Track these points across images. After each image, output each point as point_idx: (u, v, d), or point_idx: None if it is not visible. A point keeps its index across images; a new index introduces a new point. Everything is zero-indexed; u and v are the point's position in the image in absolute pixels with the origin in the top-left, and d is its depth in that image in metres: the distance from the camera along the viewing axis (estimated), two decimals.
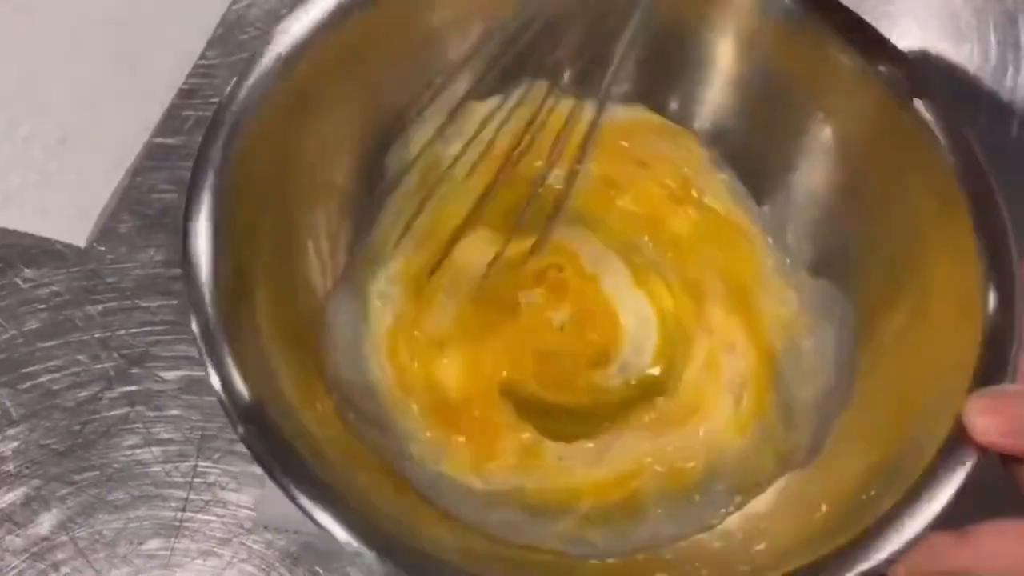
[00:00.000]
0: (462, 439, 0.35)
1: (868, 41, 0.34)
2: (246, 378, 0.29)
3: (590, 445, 0.35)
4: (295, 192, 0.35)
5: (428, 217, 0.38)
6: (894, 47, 0.34)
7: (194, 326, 0.29)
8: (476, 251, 0.38)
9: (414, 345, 0.36)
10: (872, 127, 0.35)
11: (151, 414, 0.39)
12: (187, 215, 0.31)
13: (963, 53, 0.48)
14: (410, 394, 0.36)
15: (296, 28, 0.34)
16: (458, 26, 0.37)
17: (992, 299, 0.30)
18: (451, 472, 0.34)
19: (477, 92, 0.38)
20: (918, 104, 0.33)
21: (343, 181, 0.37)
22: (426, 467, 0.34)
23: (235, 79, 0.33)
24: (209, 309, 0.29)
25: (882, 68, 0.34)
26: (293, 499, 0.27)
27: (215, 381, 0.28)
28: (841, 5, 0.35)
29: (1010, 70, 0.47)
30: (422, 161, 0.38)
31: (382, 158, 0.38)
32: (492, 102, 0.38)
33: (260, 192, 0.33)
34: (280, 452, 0.28)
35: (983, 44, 0.48)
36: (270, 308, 0.32)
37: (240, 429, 0.28)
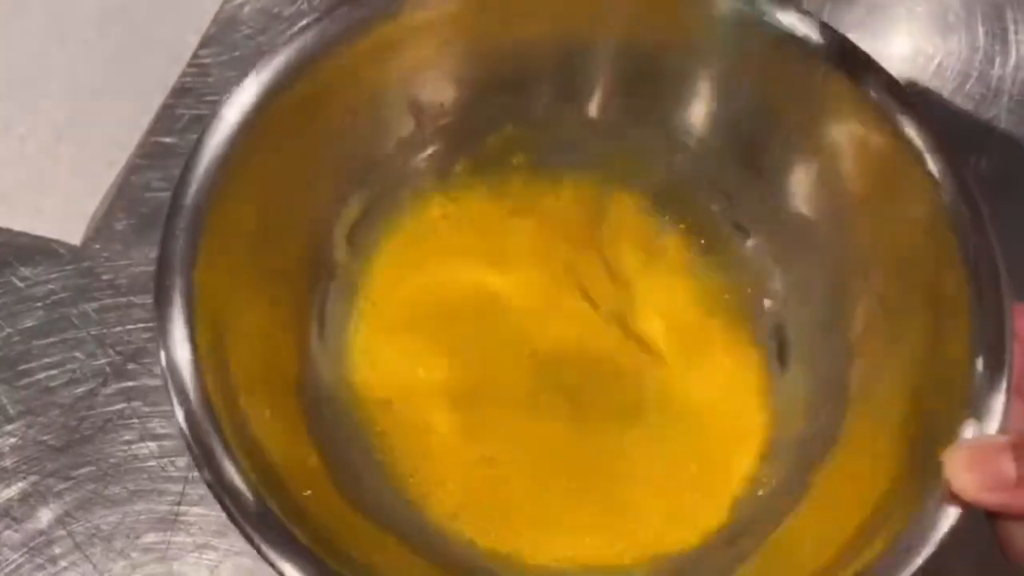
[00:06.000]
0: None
1: (858, 64, 0.34)
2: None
3: None
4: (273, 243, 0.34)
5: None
6: (881, 69, 0.34)
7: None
8: None
9: None
10: (861, 154, 0.34)
11: (147, 409, 0.39)
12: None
13: (951, 44, 0.48)
14: None
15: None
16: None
17: (981, 348, 0.29)
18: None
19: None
20: (909, 131, 0.32)
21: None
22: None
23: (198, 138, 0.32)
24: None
25: (872, 92, 0.33)
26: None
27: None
28: (832, 29, 0.34)
29: (998, 60, 0.48)
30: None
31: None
32: None
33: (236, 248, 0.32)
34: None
35: (971, 35, 0.48)
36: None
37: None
